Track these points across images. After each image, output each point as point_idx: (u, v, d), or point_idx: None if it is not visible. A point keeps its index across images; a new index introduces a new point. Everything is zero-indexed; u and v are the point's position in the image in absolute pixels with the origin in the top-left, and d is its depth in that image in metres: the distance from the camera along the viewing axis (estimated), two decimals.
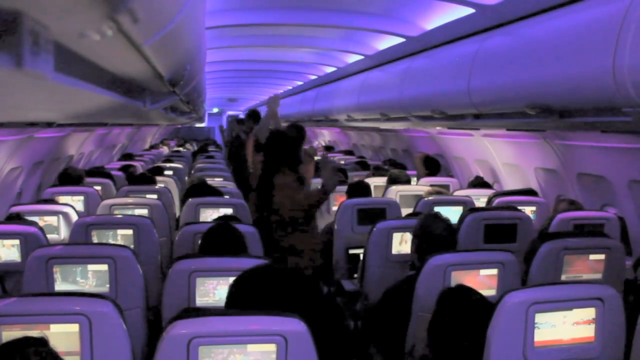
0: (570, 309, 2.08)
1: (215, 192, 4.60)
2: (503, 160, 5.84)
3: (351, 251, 4.29)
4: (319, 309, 1.80)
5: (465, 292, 2.25)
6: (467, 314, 2.14)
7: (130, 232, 3.47)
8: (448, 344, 2.14)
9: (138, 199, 4.45)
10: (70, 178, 5.18)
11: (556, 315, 2.07)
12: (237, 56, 8.25)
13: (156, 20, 1.81)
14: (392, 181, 5.52)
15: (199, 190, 4.57)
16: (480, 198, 4.99)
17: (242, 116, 10.67)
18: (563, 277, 3.09)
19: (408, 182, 5.62)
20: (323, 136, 14.98)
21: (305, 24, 5.65)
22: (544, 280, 2.95)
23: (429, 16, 4.72)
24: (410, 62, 5.33)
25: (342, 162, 8.72)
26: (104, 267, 2.71)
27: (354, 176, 6.34)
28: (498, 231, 3.75)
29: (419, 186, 5.51)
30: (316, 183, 4.09)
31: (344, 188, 5.18)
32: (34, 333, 1.55)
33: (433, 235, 2.96)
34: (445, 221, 3.03)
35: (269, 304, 1.83)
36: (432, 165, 6.09)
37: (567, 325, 2.08)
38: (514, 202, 4.40)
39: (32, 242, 3.18)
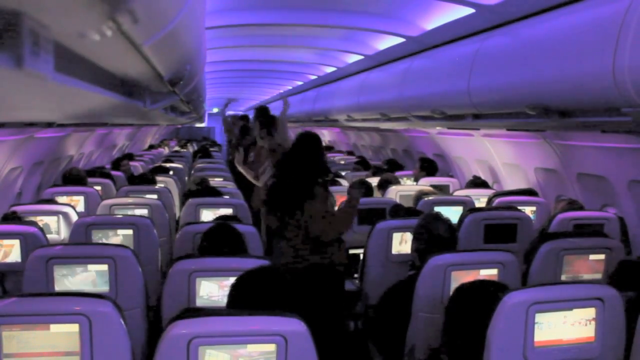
0: (570, 309, 2.08)
1: (217, 194, 4.61)
2: (503, 160, 5.84)
3: (351, 251, 4.29)
4: (320, 309, 1.80)
5: (483, 286, 2.23)
6: (484, 307, 2.10)
7: (130, 232, 3.47)
8: (464, 338, 2.11)
9: (138, 199, 4.45)
10: (73, 178, 5.20)
11: (556, 315, 2.07)
12: (237, 56, 8.24)
13: (156, 20, 1.81)
14: (384, 184, 5.52)
15: (200, 194, 4.57)
16: (480, 198, 4.99)
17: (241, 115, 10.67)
18: (563, 277, 3.09)
19: (397, 183, 5.65)
20: (323, 136, 14.99)
21: (305, 24, 5.64)
22: (544, 280, 2.95)
23: (429, 16, 4.72)
24: (410, 62, 5.33)
25: (343, 162, 8.73)
26: (104, 267, 2.71)
27: (355, 176, 6.34)
28: (498, 231, 3.75)
29: (419, 186, 5.52)
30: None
31: (344, 188, 5.19)
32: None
33: (433, 235, 2.96)
34: (446, 221, 3.03)
35: (269, 304, 1.83)
36: (430, 166, 6.20)
37: (567, 325, 2.08)
38: (514, 202, 4.40)
39: (32, 242, 3.18)
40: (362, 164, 7.94)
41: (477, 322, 2.06)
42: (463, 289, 2.24)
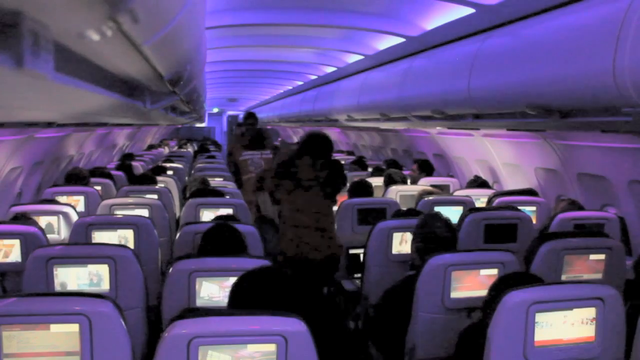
0: (570, 308, 2.08)
1: (218, 194, 4.60)
2: (503, 160, 5.84)
3: (351, 251, 4.29)
4: (320, 310, 1.80)
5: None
6: None
7: (130, 232, 3.47)
8: None
9: (138, 199, 4.45)
10: (77, 178, 5.20)
11: (556, 315, 2.07)
12: (237, 56, 8.25)
13: (156, 20, 1.81)
14: (390, 181, 5.52)
15: (202, 194, 4.57)
16: (480, 198, 4.99)
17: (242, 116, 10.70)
18: (563, 277, 3.09)
19: (404, 181, 5.65)
20: None
21: (305, 24, 5.65)
22: (544, 280, 2.95)
23: (429, 16, 4.72)
24: (411, 62, 5.33)
25: (343, 162, 8.71)
26: (104, 267, 2.71)
27: (354, 176, 6.34)
28: (498, 231, 3.75)
29: (419, 186, 5.52)
30: None
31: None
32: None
33: (433, 235, 2.96)
34: (446, 221, 3.03)
35: (270, 304, 1.83)
36: (428, 167, 6.24)
37: (567, 325, 2.08)
38: (514, 202, 4.39)
39: (32, 242, 3.18)
40: (359, 163, 7.95)
41: None
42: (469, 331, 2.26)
